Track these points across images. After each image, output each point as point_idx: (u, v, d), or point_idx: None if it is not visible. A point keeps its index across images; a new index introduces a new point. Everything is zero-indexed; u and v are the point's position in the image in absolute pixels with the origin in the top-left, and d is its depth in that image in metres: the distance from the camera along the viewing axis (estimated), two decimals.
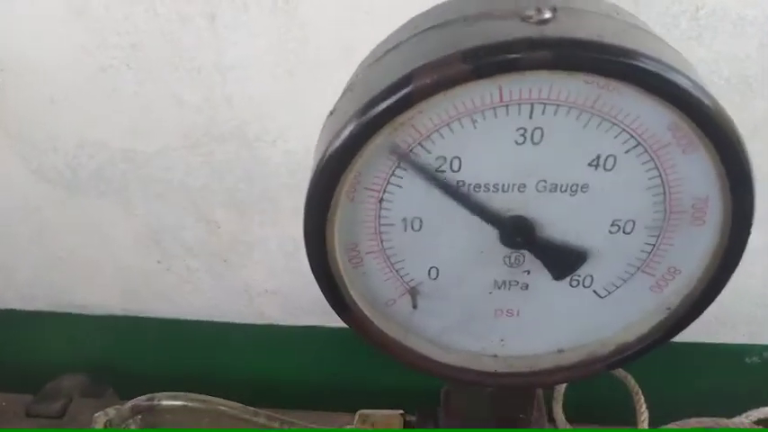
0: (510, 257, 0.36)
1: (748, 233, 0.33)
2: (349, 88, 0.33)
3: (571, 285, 0.37)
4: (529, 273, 0.36)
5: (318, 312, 1.06)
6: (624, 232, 0.35)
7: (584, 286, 0.37)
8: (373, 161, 0.33)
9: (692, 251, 0.35)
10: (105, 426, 0.48)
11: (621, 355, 0.38)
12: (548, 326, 0.38)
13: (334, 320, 1.20)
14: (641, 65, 0.28)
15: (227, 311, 1.09)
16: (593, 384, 0.89)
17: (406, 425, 0.51)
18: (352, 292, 0.36)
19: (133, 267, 1.06)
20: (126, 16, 0.82)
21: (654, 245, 0.35)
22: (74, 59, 0.87)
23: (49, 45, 0.87)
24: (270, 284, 1.05)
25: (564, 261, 0.35)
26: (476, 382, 0.39)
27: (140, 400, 0.45)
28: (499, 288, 0.37)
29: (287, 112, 0.88)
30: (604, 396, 0.86)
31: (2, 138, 0.96)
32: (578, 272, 0.36)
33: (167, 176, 0.96)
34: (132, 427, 0.48)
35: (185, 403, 0.44)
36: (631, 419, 0.84)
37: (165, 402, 0.44)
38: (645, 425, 0.81)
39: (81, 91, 0.90)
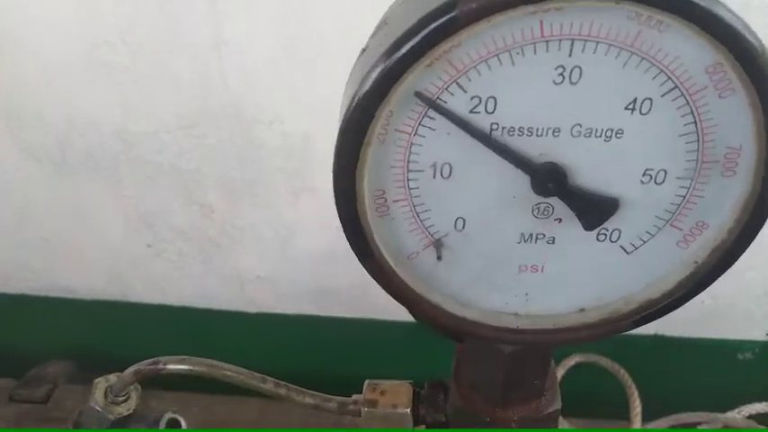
0: (539, 207, 0.35)
1: None
2: (383, 23, 0.32)
3: (598, 240, 0.36)
4: (560, 221, 0.35)
5: (311, 301, 1.04)
6: (656, 182, 0.34)
7: (611, 241, 0.36)
8: (407, 100, 0.32)
9: (722, 203, 0.35)
10: (105, 392, 0.46)
11: (646, 312, 0.37)
12: (572, 283, 0.38)
13: (326, 309, 1.18)
14: None
15: (218, 298, 1.07)
16: (588, 378, 0.88)
17: (415, 396, 0.49)
18: (377, 241, 0.35)
19: (122, 251, 1.04)
20: None
21: (684, 196, 0.35)
22: (66, 35, 0.85)
23: (41, 19, 0.84)
24: (262, 271, 1.03)
25: (595, 210, 0.34)
26: (498, 339, 0.38)
27: (143, 365, 0.43)
28: (525, 241, 0.36)
29: (285, 92, 0.87)
30: (599, 390, 0.86)
31: None
32: (607, 225, 0.35)
33: (159, 158, 0.94)
34: (133, 394, 0.46)
35: (191, 368, 0.42)
36: (625, 414, 0.84)
37: (170, 366, 0.42)
38: (638, 419, 0.81)
39: (73, 67, 0.88)
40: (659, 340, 0.98)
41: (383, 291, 0.38)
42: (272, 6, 0.80)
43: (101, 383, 0.45)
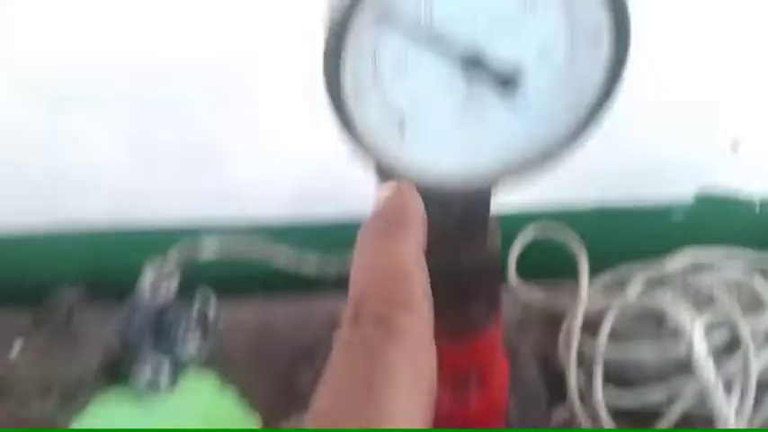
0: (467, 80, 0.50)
1: (627, 54, 0.49)
2: None
3: (510, 101, 0.52)
4: (478, 89, 0.50)
5: (294, 204, 1.15)
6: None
7: (519, 102, 0.52)
8: (368, 20, 0.46)
9: (595, 69, 0.50)
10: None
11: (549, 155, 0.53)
12: (493, 138, 0.54)
13: (315, 213, 1.27)
14: None
15: (213, 212, 1.14)
16: (542, 248, 1.03)
17: None
18: (356, 120, 0.50)
19: (118, 178, 1.12)
20: None
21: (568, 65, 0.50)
22: None
23: None
24: (251, 178, 1.12)
25: (505, 79, 0.49)
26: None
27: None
28: (463, 111, 0.52)
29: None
30: (552, 255, 1.01)
31: None
32: (517, 90, 0.51)
33: (148, 81, 1.01)
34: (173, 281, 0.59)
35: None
36: (573, 273, 0.98)
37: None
38: (585, 274, 0.95)
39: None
40: (607, 210, 1.12)
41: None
42: None
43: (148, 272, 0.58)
